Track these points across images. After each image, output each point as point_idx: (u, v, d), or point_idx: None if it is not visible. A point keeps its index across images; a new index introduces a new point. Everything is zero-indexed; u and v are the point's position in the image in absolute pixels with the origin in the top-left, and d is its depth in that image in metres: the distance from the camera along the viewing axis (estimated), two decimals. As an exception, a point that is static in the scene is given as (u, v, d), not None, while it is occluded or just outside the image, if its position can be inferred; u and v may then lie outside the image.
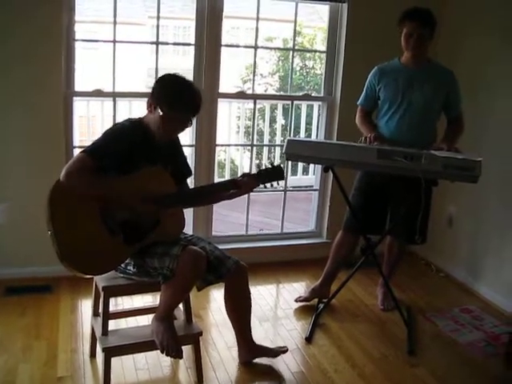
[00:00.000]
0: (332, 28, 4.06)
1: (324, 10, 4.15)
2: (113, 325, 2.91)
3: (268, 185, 2.71)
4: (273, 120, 6.30)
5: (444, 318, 3.58)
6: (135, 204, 2.46)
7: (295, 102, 4.28)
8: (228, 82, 5.71)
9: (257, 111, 5.55)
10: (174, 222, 2.63)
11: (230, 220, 4.87)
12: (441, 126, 3.41)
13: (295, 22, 4.04)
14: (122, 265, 2.62)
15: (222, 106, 5.04)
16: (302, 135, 5.73)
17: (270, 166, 2.69)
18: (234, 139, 5.94)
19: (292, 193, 5.16)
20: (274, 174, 2.68)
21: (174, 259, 2.46)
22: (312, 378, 2.88)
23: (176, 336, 2.59)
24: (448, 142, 3.20)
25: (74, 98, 3.62)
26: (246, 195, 4.10)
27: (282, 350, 2.99)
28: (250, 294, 2.88)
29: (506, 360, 3.12)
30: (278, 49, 4.03)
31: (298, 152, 3.09)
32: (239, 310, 2.89)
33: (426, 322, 3.54)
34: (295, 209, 4.99)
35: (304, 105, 5.53)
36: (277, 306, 3.71)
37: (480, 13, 3.90)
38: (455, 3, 4.13)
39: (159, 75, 2.64)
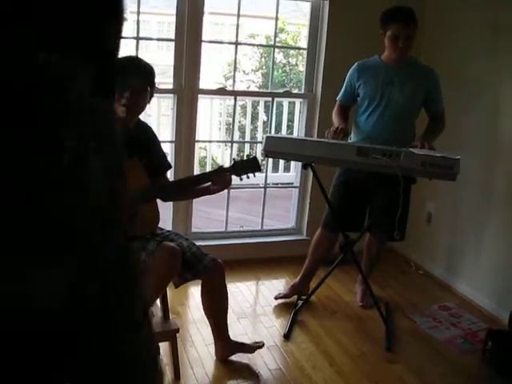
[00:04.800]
0: (313, 25, 4.05)
1: (307, 6, 4.13)
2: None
3: (245, 177, 2.70)
4: (255, 117, 6.28)
5: (422, 315, 3.60)
6: None
7: (277, 99, 4.28)
8: (210, 78, 5.67)
9: (239, 108, 5.55)
10: (150, 215, 2.61)
11: (210, 217, 4.84)
12: (421, 124, 3.42)
13: (276, 18, 4.03)
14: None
15: (205, 103, 5.04)
16: (284, 132, 5.72)
17: (245, 158, 2.69)
18: (215, 136, 5.91)
19: (273, 190, 5.14)
20: (249, 165, 2.67)
21: (149, 254, 2.44)
22: (289, 375, 2.88)
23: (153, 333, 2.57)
24: (423, 140, 3.20)
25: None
26: (226, 191, 4.11)
27: (258, 346, 2.99)
28: (226, 291, 2.87)
29: (482, 356, 3.14)
30: (260, 45, 4.00)
31: (277, 149, 3.08)
32: (216, 308, 2.88)
33: (405, 319, 3.56)
34: (276, 206, 4.98)
35: (286, 102, 5.51)
36: (256, 302, 3.70)
37: (461, 10, 3.91)
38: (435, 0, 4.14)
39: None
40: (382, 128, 3.32)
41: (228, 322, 2.94)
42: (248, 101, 5.61)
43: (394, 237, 3.20)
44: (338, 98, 3.52)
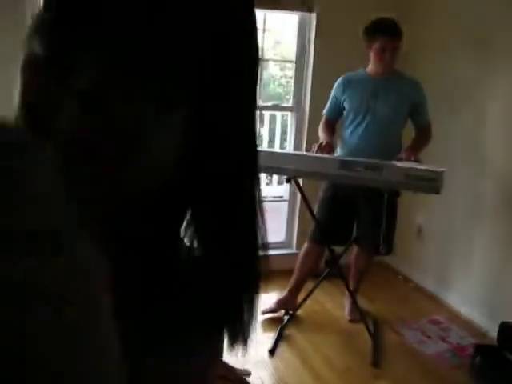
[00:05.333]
0: (301, 37, 4.05)
1: (295, 19, 4.13)
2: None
3: None
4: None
5: (411, 329, 3.56)
6: None
7: (270, 112, 4.28)
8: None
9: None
10: None
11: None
12: (408, 136, 3.41)
13: (264, 30, 4.03)
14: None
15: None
16: (277, 145, 5.71)
17: None
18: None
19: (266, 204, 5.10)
20: None
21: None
22: (273, 392, 2.86)
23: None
24: (408, 152, 3.19)
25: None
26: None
27: (246, 375, 2.93)
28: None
29: (470, 372, 3.10)
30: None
31: (259, 163, 3.06)
32: None
33: (393, 333, 3.52)
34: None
35: (278, 115, 5.50)
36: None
37: (445, 24, 3.90)
38: (419, 12, 4.14)
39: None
40: (367, 141, 3.31)
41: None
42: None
43: (380, 250, 3.18)
44: (324, 113, 3.51)
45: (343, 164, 2.95)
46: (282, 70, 8.14)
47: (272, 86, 7.33)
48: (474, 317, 3.68)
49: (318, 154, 3.07)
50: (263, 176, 5.53)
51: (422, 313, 3.81)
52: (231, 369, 2.88)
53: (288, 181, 3.09)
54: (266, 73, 6.96)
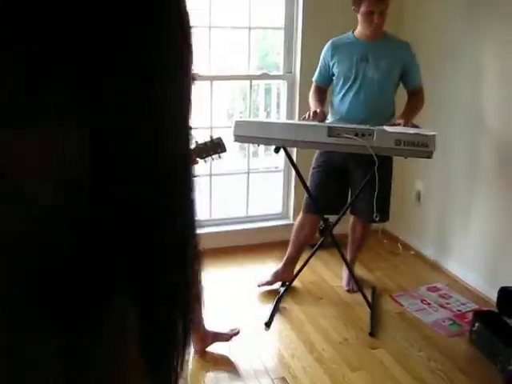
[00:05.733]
0: (289, 3, 3.92)
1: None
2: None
3: (209, 159, 2.64)
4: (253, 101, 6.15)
5: (410, 298, 3.50)
6: None
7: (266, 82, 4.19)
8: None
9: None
10: None
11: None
12: (401, 101, 3.31)
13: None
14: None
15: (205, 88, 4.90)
16: (263, 115, 5.58)
17: (208, 140, 2.62)
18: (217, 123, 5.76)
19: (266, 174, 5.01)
20: (213, 146, 2.62)
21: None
22: (267, 365, 2.82)
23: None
24: (405, 118, 3.10)
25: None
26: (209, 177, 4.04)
27: (234, 333, 2.92)
28: (201, 281, 2.79)
29: (469, 338, 3.05)
30: (233, 28, 3.86)
31: (247, 133, 2.99)
32: None
33: (392, 302, 3.46)
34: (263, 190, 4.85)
35: (274, 84, 5.35)
36: (239, 290, 3.61)
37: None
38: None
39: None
40: (358, 107, 3.21)
41: (208, 311, 2.87)
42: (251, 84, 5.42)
43: (373, 218, 3.10)
44: (313, 79, 3.41)
45: (331, 131, 2.86)
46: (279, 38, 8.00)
47: (271, 55, 7.20)
48: (474, 283, 3.61)
49: (305, 122, 2.99)
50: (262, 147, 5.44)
51: (422, 280, 3.75)
52: (219, 334, 2.85)
53: (276, 150, 3.01)
54: (265, 42, 6.85)
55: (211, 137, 2.65)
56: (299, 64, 3.95)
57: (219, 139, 2.64)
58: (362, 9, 3.10)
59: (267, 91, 5.76)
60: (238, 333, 2.93)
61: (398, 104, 3.33)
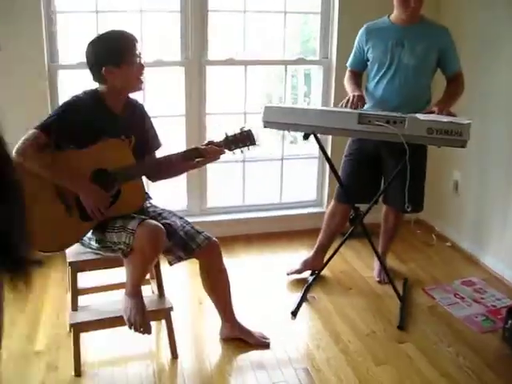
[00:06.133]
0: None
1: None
2: (89, 300, 2.90)
3: (238, 151, 2.61)
4: (295, 86, 6.08)
5: (443, 291, 3.40)
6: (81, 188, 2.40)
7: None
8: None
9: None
10: (133, 193, 2.54)
11: (226, 189, 4.71)
12: (440, 89, 3.19)
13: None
14: (87, 240, 2.57)
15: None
16: (301, 101, 5.51)
17: (238, 132, 2.58)
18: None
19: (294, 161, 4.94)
20: (243, 138, 2.58)
21: (130, 234, 2.38)
22: (290, 354, 2.78)
23: (144, 312, 2.52)
24: (441, 105, 2.98)
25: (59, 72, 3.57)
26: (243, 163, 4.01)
27: (263, 342, 2.85)
28: (225, 270, 2.77)
29: (502, 336, 2.93)
30: (268, 12, 3.79)
31: (276, 119, 2.93)
32: (217, 288, 2.80)
33: (424, 295, 3.37)
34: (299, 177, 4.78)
35: (314, 69, 5.28)
36: (270, 278, 3.59)
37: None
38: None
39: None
40: (392, 93, 3.12)
41: (236, 298, 2.86)
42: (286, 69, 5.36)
43: (405, 208, 3.00)
44: (348, 64, 3.33)
45: (362, 118, 2.77)
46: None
47: (312, 41, 7.10)
48: (510, 277, 3.47)
49: (335, 108, 2.91)
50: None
51: (457, 274, 3.64)
52: (249, 333, 2.84)
53: (305, 137, 2.94)
54: (307, 27, 6.75)
55: (241, 129, 2.59)
56: (335, 49, 3.87)
57: (249, 131, 2.58)
58: None
59: (307, 76, 5.67)
60: (267, 345, 2.86)
61: (438, 90, 3.21)
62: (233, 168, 4.19)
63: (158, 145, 2.73)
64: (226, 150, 2.59)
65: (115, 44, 2.44)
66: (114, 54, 2.41)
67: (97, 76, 2.44)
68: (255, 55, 3.97)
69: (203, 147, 2.56)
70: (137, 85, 2.51)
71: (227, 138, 2.58)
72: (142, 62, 2.49)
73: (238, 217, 4.07)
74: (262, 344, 2.84)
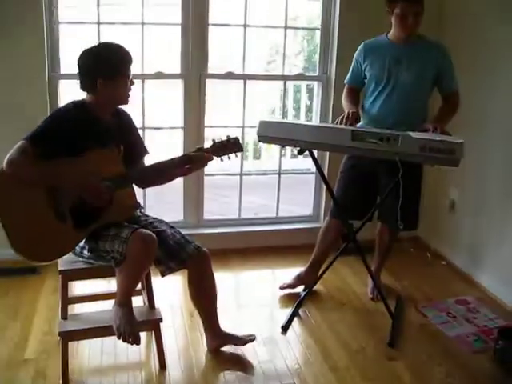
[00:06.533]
0: (326, 3, 3.86)
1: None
2: (82, 309, 2.91)
3: (226, 158, 2.66)
4: (296, 101, 6.11)
5: (436, 310, 3.38)
6: (80, 190, 2.42)
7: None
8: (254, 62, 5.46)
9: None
10: (125, 202, 2.57)
11: (224, 201, 4.74)
12: (437, 106, 3.21)
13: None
14: (78, 249, 2.58)
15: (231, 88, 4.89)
16: (303, 117, 5.53)
17: (225, 139, 2.62)
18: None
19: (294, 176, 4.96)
20: (230, 145, 2.64)
21: (123, 242, 2.40)
22: (278, 369, 2.78)
23: (133, 322, 2.52)
24: (435, 123, 2.99)
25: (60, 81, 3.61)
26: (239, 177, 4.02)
27: (249, 339, 2.89)
28: (214, 280, 2.79)
29: (493, 356, 2.92)
30: (268, 27, 3.82)
31: (271, 134, 2.94)
32: (203, 298, 2.81)
33: (416, 313, 3.36)
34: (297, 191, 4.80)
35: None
36: (263, 292, 3.59)
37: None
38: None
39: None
40: (388, 110, 3.13)
41: (228, 311, 2.87)
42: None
43: (398, 226, 3.00)
44: (346, 81, 3.35)
45: (356, 135, 2.78)
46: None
47: (316, 56, 7.14)
48: (506, 298, 3.46)
49: (329, 125, 2.93)
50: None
51: (451, 292, 3.62)
52: (234, 336, 2.87)
53: (300, 152, 2.96)
54: (312, 42, 6.78)
55: (228, 136, 2.65)
56: (334, 65, 3.89)
57: (236, 139, 2.65)
58: (396, 11, 3.02)
59: (310, 91, 5.71)
60: (253, 339, 2.89)
61: (436, 108, 3.22)
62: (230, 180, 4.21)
63: (145, 152, 2.76)
64: (214, 157, 2.64)
65: (114, 56, 2.47)
66: (112, 65, 2.44)
67: (88, 85, 2.47)
68: (255, 70, 3.99)
69: (192, 154, 2.61)
70: (126, 98, 2.55)
71: (214, 143, 2.64)
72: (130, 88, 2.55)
73: (235, 230, 4.08)
74: (250, 341, 2.88)
